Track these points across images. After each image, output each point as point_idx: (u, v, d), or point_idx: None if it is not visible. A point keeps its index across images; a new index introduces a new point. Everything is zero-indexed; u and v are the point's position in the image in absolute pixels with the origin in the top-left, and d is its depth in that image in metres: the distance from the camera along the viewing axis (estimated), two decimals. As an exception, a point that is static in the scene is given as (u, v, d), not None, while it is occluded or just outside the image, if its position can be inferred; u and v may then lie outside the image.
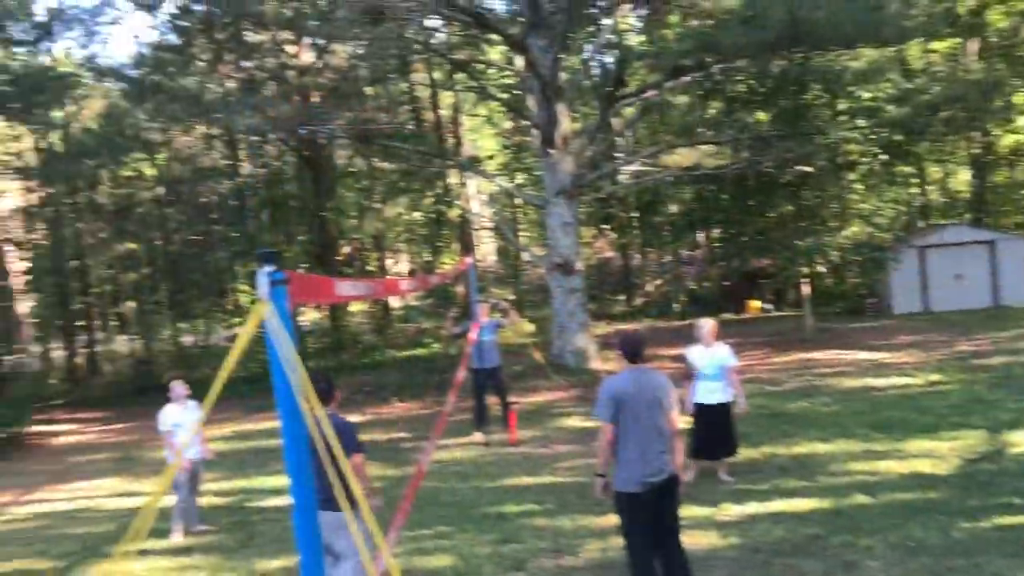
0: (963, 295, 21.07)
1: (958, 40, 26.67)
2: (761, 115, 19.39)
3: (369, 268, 31.08)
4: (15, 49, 23.71)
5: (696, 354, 7.96)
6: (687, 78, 17.01)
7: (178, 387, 8.36)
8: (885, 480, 7.51)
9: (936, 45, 28.74)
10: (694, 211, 24.07)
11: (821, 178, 18.36)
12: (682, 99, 21.63)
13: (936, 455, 8.12)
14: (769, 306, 26.04)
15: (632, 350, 5.06)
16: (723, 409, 7.89)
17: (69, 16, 23.98)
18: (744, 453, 8.81)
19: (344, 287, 3.30)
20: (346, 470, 2.35)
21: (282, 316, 2.36)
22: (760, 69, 17.40)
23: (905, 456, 8.20)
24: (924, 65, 28.94)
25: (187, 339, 27.42)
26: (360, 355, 22.47)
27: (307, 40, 23.30)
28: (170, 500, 8.09)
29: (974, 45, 26.27)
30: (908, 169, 26.84)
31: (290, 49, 23.62)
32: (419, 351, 22.44)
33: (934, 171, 32.60)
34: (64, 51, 27.94)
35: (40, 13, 24.02)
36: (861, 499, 7.01)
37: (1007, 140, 28.41)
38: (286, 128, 19.24)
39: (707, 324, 7.95)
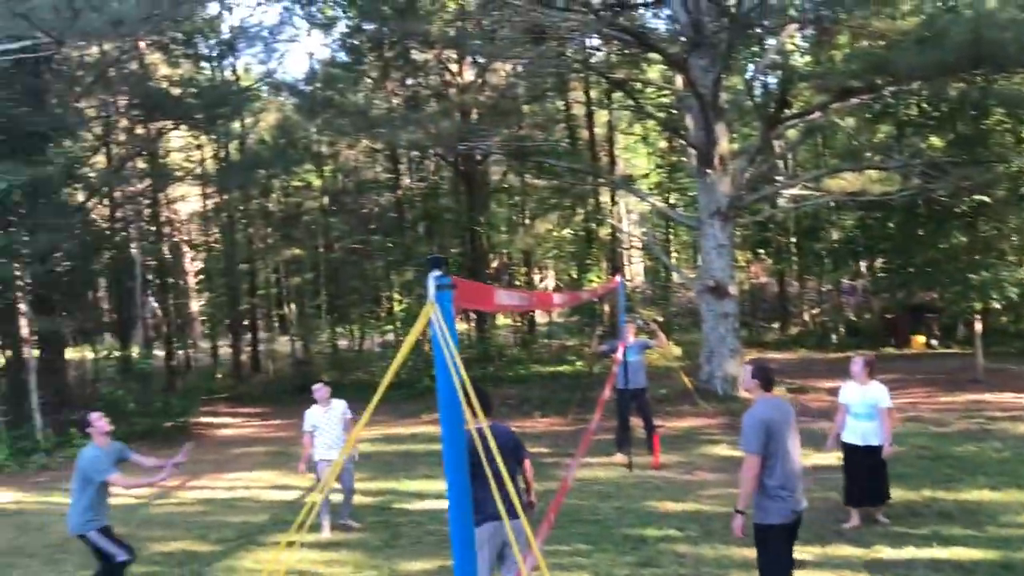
0: None
1: None
2: (935, 140, 18.37)
3: (516, 283, 31.47)
4: (201, 64, 25.63)
5: (848, 391, 7.59)
6: (855, 100, 16.33)
7: (321, 388, 8.68)
8: (1066, 537, 6.91)
9: None
10: (857, 239, 23.08)
11: (1001, 208, 17.17)
12: (849, 121, 20.78)
13: None
14: (935, 342, 24.50)
15: (767, 378, 5.14)
16: (872, 452, 7.40)
17: (251, 34, 25.66)
18: (902, 495, 8.33)
19: (503, 296, 3.36)
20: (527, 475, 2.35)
21: (447, 319, 2.43)
22: (936, 92, 16.51)
23: (1090, 513, 7.52)
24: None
25: (342, 343, 28.57)
26: (504, 368, 22.72)
27: (469, 59, 23.95)
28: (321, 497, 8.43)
29: None
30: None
31: (453, 67, 24.34)
32: (563, 368, 22.47)
33: None
34: (245, 66, 29.84)
35: (225, 31, 25.78)
36: (1037, 555, 6.48)
37: None
38: (445, 144, 19.81)
39: (861, 360, 7.59)
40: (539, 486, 9.41)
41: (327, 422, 8.51)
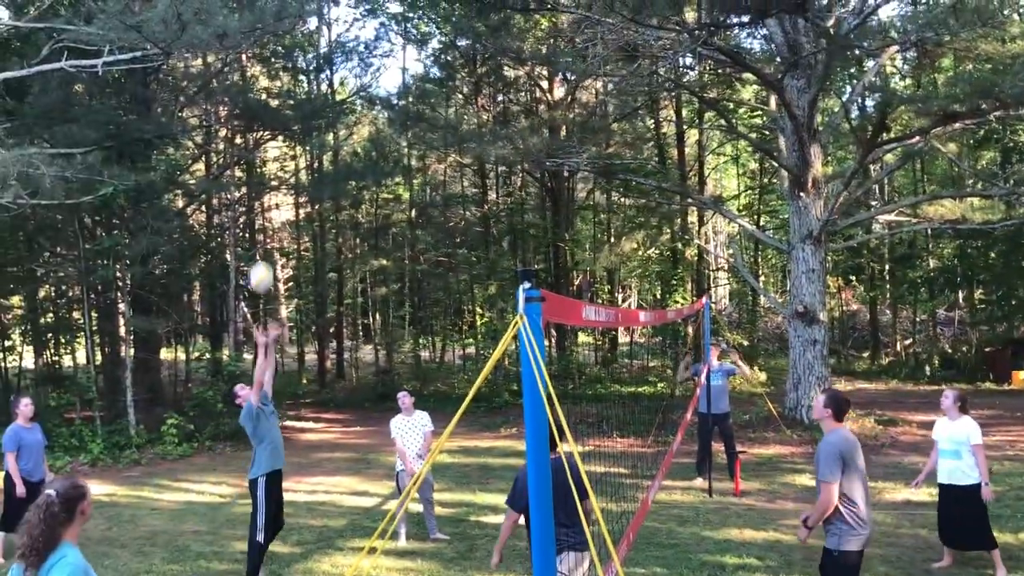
0: None
1: None
2: (1044, 167, 17.59)
3: (599, 301, 31.33)
4: (300, 77, 26.44)
5: (938, 427, 7.29)
6: (958, 125, 15.75)
7: (404, 397, 8.81)
8: None
9: None
10: (955, 268, 22.22)
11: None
12: (950, 147, 20.08)
13: None
14: (1038, 379, 23.34)
15: (839, 408, 5.16)
16: (963, 493, 6.94)
17: (348, 48, 26.35)
18: (997, 536, 7.94)
19: (590, 311, 3.35)
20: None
21: (535, 331, 2.43)
22: (1046, 118, 15.82)
23: None
24: None
25: (424, 354, 28.91)
26: (584, 386, 22.62)
27: (560, 76, 24.06)
28: (399, 504, 8.52)
29: None
30: None
31: (544, 84, 24.50)
32: (643, 388, 22.24)
33: None
34: (340, 80, 30.62)
35: (323, 46, 26.53)
36: None
37: None
38: (533, 160, 19.90)
39: (953, 393, 7.22)
40: (615, 507, 9.35)
41: (409, 431, 8.61)
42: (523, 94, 26.70)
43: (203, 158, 23.75)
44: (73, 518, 3.15)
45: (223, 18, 11.58)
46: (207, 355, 22.77)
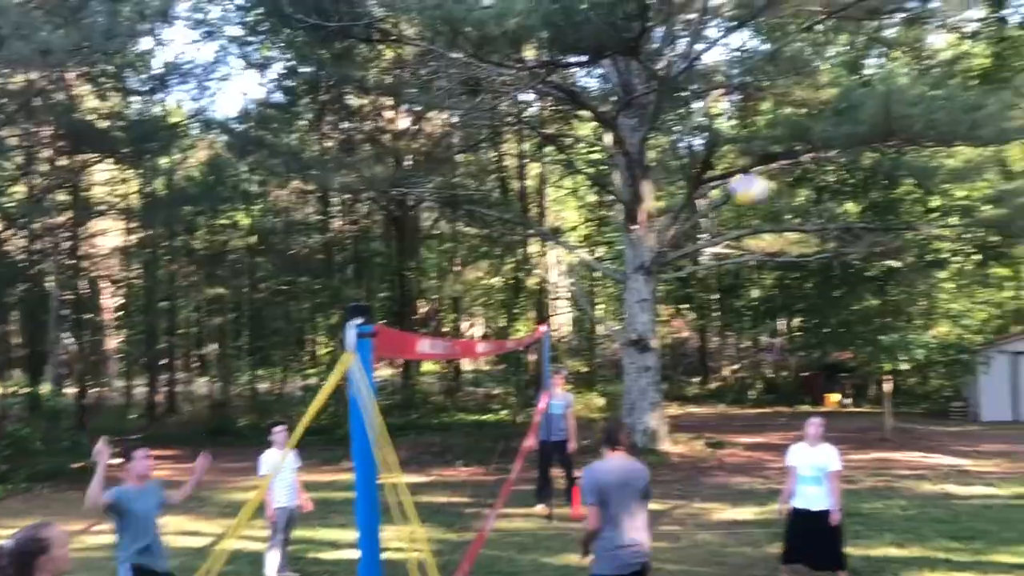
0: (1057, 406, 20.10)
1: (1061, 143, 25.99)
2: (850, 206, 19.18)
3: (444, 329, 31.43)
4: (131, 98, 25.21)
5: (796, 453, 7.32)
6: (776, 165, 16.98)
7: (282, 431, 8.29)
8: (963, 593, 7.16)
9: (1038, 147, 28.11)
10: (776, 297, 23.80)
11: (909, 274, 17.97)
12: (771, 184, 21.54)
13: (1022, 571, 7.71)
14: (848, 401, 25.26)
15: (609, 437, 5.39)
16: (821, 517, 7.04)
17: (184, 70, 25.37)
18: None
19: (425, 344, 3.40)
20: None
21: (366, 369, 2.46)
22: (851, 161, 17.28)
23: (987, 570, 7.81)
24: (1024, 166, 28.28)
25: (263, 385, 27.99)
26: (429, 415, 22.58)
27: (405, 107, 24.13)
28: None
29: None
30: (1003, 271, 26.04)
31: (388, 114, 24.50)
32: (487, 416, 22.44)
33: (1032, 274, 31.52)
34: (176, 102, 29.46)
35: (158, 66, 25.46)
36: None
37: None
38: (378, 188, 19.85)
39: (816, 422, 7.32)
40: (456, 536, 9.39)
41: (285, 467, 8.27)
42: (368, 123, 26.59)
43: (24, 180, 22.20)
44: None
45: (46, 34, 10.98)
46: (24, 389, 21.17)
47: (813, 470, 7.10)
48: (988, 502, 11.04)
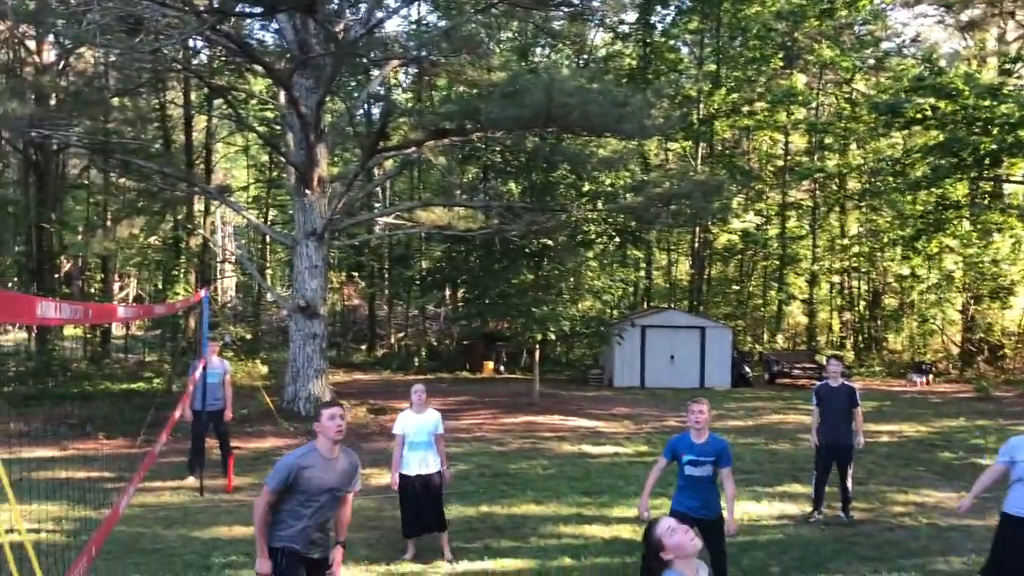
0: (675, 374, 23.04)
1: (690, 143, 29.74)
2: (513, 186, 20.36)
3: (91, 290, 28.66)
4: None
5: (404, 419, 7.33)
6: (448, 141, 17.51)
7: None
8: (591, 544, 7.93)
9: (672, 145, 31.92)
10: (443, 269, 24.62)
11: (561, 252, 19.47)
12: (441, 160, 22.22)
13: (638, 522, 8.72)
14: (503, 368, 26.99)
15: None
16: (430, 480, 7.25)
17: None
18: (462, 511, 8.99)
19: (48, 308, 3.03)
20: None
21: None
22: (516, 142, 18.32)
23: (610, 522, 8.72)
24: (660, 161, 31.97)
25: None
26: (69, 384, 20.44)
27: (51, 38, 21.46)
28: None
29: (703, 150, 29.37)
30: (638, 253, 29.26)
31: (31, 44, 21.62)
32: (138, 385, 20.84)
33: (660, 257, 35.81)
34: None
35: None
36: (567, 561, 7.35)
37: (722, 239, 31.90)
38: (14, 128, 17.42)
39: (419, 388, 7.44)
40: (95, 514, 8.63)
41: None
42: (5, 52, 23.26)
43: None
44: None
45: None
46: None
47: (422, 434, 7.25)
48: (616, 460, 12.36)
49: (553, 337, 20.06)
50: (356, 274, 34.41)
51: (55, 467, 11.02)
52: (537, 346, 19.50)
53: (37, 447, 12.65)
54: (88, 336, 27.12)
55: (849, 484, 8.79)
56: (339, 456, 4.67)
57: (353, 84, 22.78)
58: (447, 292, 31.91)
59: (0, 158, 25.41)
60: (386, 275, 32.41)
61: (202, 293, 10.43)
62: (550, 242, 18.75)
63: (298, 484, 4.54)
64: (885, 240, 29.98)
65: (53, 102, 19.74)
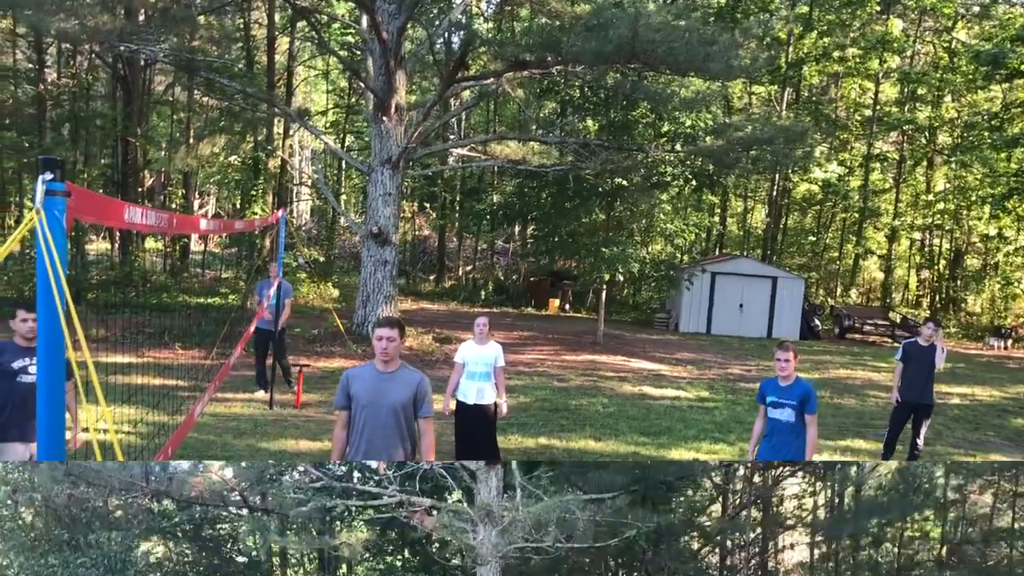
0: (743, 323, 22.78)
1: (776, 87, 28.81)
2: (590, 123, 20.05)
3: (172, 205, 29.45)
4: None
5: (465, 349, 7.49)
6: (527, 73, 17.27)
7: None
8: (645, 481, 7.99)
9: (757, 88, 30.97)
10: (514, 204, 24.55)
11: (635, 193, 19.20)
12: (519, 93, 21.97)
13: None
14: (568, 307, 27.02)
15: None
16: (485, 411, 7.37)
17: None
18: (521, 442, 9.13)
19: (135, 213, 3.12)
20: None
21: (55, 231, 2.19)
22: (596, 78, 17.96)
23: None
24: (743, 105, 31.09)
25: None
26: (148, 295, 21.19)
27: (140, -49, 21.64)
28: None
29: (789, 95, 28.44)
30: (713, 198, 28.70)
31: (121, -44, 21.85)
32: (214, 299, 21.50)
33: (736, 204, 35.10)
34: None
35: None
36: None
37: (801, 188, 31.05)
38: (104, 41, 17.76)
39: (482, 320, 7.52)
40: (168, 419, 9.00)
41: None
42: (95, -35, 23.60)
43: None
44: None
45: None
46: None
47: (482, 366, 7.34)
48: (675, 403, 12.35)
49: (621, 278, 19.94)
50: (428, 205, 34.59)
51: (132, 373, 11.50)
52: (604, 287, 19.41)
53: (116, 353, 13.20)
54: (168, 250, 27.98)
55: (920, 441, 8.86)
56: (399, 373, 4.73)
57: (435, 11, 22.55)
58: (517, 228, 31.91)
59: (90, 71, 26.01)
60: (457, 207, 32.50)
61: (279, 214, 10.63)
62: (624, 182, 18.48)
63: (352, 394, 4.77)
64: (973, 198, 28.82)
65: (142, 18, 20.04)
